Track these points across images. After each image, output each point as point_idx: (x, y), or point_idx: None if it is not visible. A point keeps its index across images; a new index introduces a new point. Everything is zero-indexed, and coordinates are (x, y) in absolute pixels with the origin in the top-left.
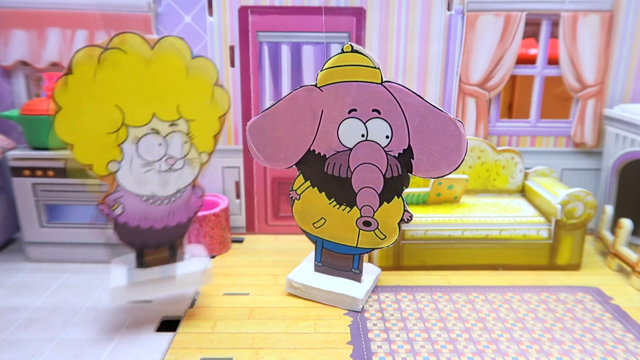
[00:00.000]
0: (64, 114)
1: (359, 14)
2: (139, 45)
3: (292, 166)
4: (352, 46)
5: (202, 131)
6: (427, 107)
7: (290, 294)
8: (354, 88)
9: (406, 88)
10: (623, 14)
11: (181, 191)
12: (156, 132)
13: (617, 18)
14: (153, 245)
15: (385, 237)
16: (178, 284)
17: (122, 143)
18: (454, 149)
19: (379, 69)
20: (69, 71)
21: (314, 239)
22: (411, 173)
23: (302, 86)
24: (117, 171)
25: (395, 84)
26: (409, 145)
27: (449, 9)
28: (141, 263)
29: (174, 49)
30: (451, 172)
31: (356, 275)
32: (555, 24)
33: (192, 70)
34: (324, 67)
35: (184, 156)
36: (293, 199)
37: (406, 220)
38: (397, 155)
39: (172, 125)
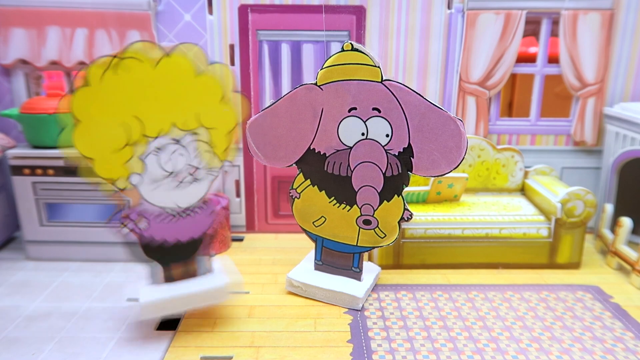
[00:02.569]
0: (82, 127)
1: (359, 12)
2: (154, 54)
3: (292, 165)
4: (352, 44)
5: (222, 139)
6: (427, 106)
7: (290, 293)
8: (354, 86)
9: (406, 86)
10: (623, 12)
11: (205, 201)
12: (177, 142)
13: (617, 16)
14: (180, 258)
15: (385, 235)
16: (206, 298)
17: (143, 155)
18: (454, 148)
19: (379, 67)
20: (86, 83)
21: (314, 237)
22: (411, 171)
23: (302, 85)
24: (139, 184)
25: (395, 83)
26: (409, 143)
27: (449, 7)
28: (169, 277)
29: (189, 57)
30: (451, 171)
31: (356, 274)
32: (555, 23)
33: (209, 78)
34: (324, 66)
35: (206, 165)
36: (293, 197)
37: (406, 219)
38: (397, 154)
39: (193, 134)
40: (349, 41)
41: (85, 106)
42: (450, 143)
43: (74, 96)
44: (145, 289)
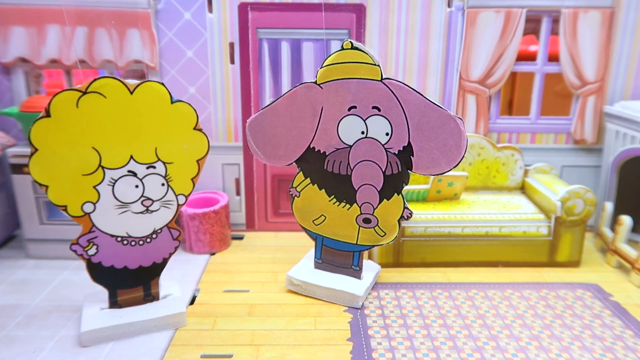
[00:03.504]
0: (39, 155)
1: (359, 10)
2: (119, 90)
3: (292, 163)
4: (352, 43)
5: (180, 174)
6: (427, 104)
7: (290, 291)
8: (354, 85)
9: (406, 85)
10: (623, 10)
11: (157, 232)
12: (133, 174)
13: (617, 15)
14: (127, 285)
15: (385, 234)
16: (152, 327)
17: (98, 184)
18: (454, 146)
19: (379, 66)
20: (47, 114)
21: (314, 236)
22: (411, 170)
23: (302, 83)
24: (92, 212)
25: (395, 81)
26: (409, 142)
27: (449, 5)
28: (114, 303)
29: (153, 94)
30: (451, 169)
31: (356, 272)
32: (555, 21)
33: (171, 115)
34: (324, 64)
35: (161, 198)
36: (293, 196)
37: (406, 217)
38: (397, 153)
39: (149, 167)
40: (349, 39)
41: (44, 136)
42: (450, 141)
43: (34, 126)
44: (87, 315)
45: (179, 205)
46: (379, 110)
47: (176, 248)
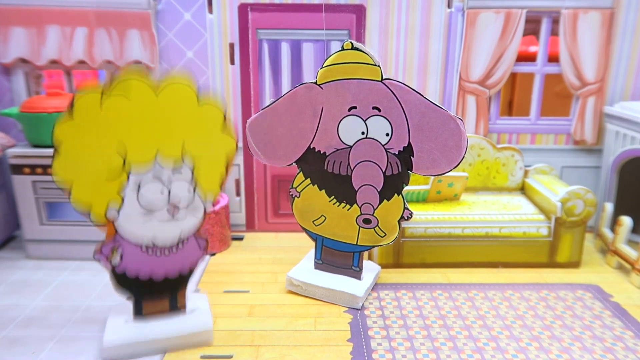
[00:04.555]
0: (63, 155)
1: (359, 11)
2: (144, 92)
3: (292, 164)
4: (352, 43)
5: (207, 178)
6: (427, 105)
7: (290, 292)
8: (354, 85)
9: (406, 85)
10: (623, 11)
11: (183, 241)
12: (158, 179)
13: (617, 15)
14: (153, 296)
15: (385, 234)
16: (177, 344)
17: (122, 189)
18: (454, 147)
19: (379, 66)
20: (70, 115)
21: (314, 236)
22: (411, 171)
23: (302, 84)
24: (115, 219)
25: (395, 82)
26: (409, 142)
27: (449, 6)
28: (139, 313)
29: (180, 95)
30: (451, 170)
31: (356, 273)
32: (555, 21)
33: (198, 116)
34: (324, 65)
35: (187, 204)
36: (293, 196)
37: (406, 218)
38: (397, 153)
39: (175, 172)
40: (349, 40)
41: (67, 136)
42: (450, 142)
43: (56, 127)
44: (111, 326)
45: (205, 212)
46: (379, 110)
47: (203, 257)
